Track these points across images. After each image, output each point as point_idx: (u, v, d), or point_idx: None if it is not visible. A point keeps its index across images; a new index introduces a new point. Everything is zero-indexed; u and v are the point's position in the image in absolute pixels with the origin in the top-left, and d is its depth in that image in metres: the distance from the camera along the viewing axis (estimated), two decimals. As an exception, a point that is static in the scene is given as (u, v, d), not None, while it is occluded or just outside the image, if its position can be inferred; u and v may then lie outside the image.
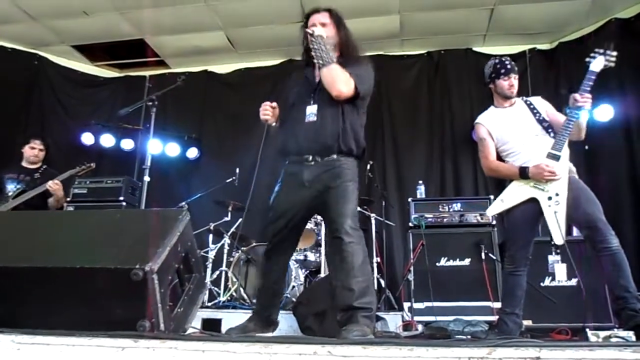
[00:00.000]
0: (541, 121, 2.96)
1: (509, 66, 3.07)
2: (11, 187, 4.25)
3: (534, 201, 2.80)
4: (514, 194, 2.87)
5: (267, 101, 2.63)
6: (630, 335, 1.79)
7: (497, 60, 3.14)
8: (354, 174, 2.48)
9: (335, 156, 2.46)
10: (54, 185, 4.18)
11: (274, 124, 2.63)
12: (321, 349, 1.42)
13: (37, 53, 6.49)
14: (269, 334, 2.60)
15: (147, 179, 3.21)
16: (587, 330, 1.69)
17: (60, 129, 6.40)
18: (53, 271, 1.85)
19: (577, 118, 2.77)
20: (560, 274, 2.80)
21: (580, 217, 2.72)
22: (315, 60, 2.41)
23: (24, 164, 4.44)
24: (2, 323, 1.70)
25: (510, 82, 3.05)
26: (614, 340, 1.69)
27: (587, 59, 2.85)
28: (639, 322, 2.36)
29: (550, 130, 2.92)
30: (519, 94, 3.27)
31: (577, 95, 2.76)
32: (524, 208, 2.84)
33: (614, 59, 2.83)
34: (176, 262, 1.94)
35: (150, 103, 3.30)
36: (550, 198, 2.75)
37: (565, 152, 2.80)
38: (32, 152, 4.44)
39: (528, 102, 3.07)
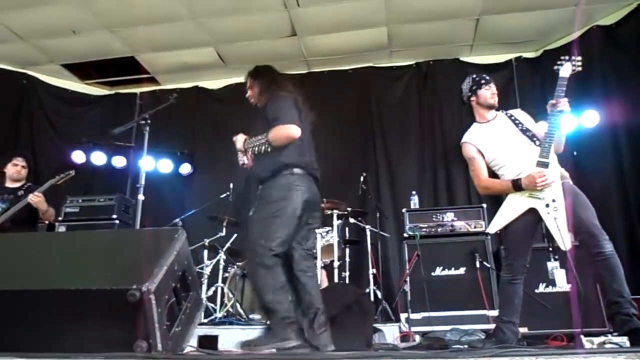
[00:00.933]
0: (525, 131, 2.99)
1: (487, 77, 3.17)
2: None
3: (532, 211, 2.81)
4: (513, 207, 2.87)
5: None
6: (624, 340, 1.81)
7: (474, 75, 3.23)
8: (272, 196, 2.70)
9: (262, 184, 2.80)
10: (34, 198, 4.13)
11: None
12: (320, 364, 1.44)
13: (26, 72, 6.47)
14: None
15: (141, 197, 3.18)
16: (582, 336, 1.71)
17: (50, 148, 6.38)
18: (48, 293, 1.84)
19: (557, 126, 2.82)
20: (560, 280, 2.79)
21: (574, 222, 2.75)
22: (262, 150, 2.77)
23: (7, 184, 4.41)
24: (-3, 347, 1.69)
25: (492, 90, 3.11)
26: (608, 346, 1.70)
27: (555, 67, 2.94)
28: (633, 326, 2.38)
29: (535, 139, 2.95)
30: (507, 103, 3.32)
31: (553, 101, 2.84)
32: (523, 220, 2.85)
33: (579, 63, 2.92)
34: (173, 281, 1.95)
35: (143, 122, 3.30)
36: (547, 205, 2.77)
37: (553, 158, 2.84)
38: (15, 169, 4.41)
39: (509, 115, 3.10)
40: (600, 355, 1.26)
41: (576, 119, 5.23)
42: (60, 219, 5.02)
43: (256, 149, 2.78)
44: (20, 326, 1.91)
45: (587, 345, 1.73)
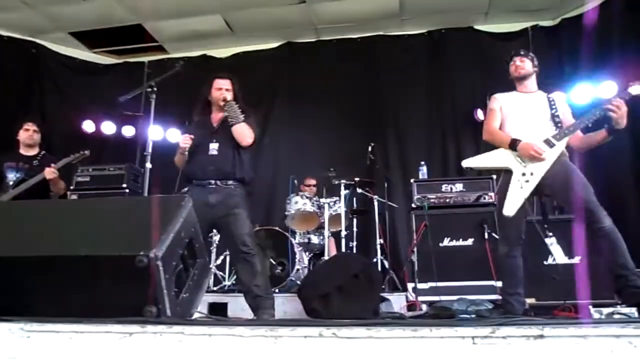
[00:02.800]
0: (554, 116, 2.97)
1: (513, 52, 3.22)
2: (11, 177, 4.20)
3: (509, 173, 2.86)
4: (495, 157, 2.95)
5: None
6: (633, 311, 1.80)
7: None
8: (246, 202, 3.23)
9: (231, 182, 3.18)
10: (51, 175, 4.15)
11: (186, 152, 3.26)
12: (326, 330, 1.44)
13: (35, 41, 6.43)
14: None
15: (149, 165, 3.20)
16: (590, 307, 1.70)
17: (61, 118, 6.36)
18: (58, 260, 1.86)
19: (589, 120, 2.79)
20: (558, 255, 2.85)
21: (572, 200, 2.74)
22: (229, 119, 3.19)
23: (21, 151, 4.40)
24: (11, 312, 1.72)
25: (513, 66, 3.15)
26: (616, 316, 1.70)
27: (630, 83, 2.82)
28: (642, 297, 2.39)
29: (560, 126, 2.92)
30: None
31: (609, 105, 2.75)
32: (506, 181, 2.88)
33: None
34: (180, 248, 1.96)
35: (150, 89, 3.28)
36: (524, 174, 2.81)
37: (561, 144, 2.82)
38: (27, 134, 4.38)
39: (550, 98, 3.07)
40: (607, 325, 1.25)
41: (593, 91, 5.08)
42: (71, 188, 5.07)
43: (233, 115, 3.16)
44: (32, 292, 1.94)
45: (596, 315, 1.72)
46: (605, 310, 1.72)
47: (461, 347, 1.33)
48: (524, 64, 3.12)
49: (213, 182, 3.17)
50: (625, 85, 2.83)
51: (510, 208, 2.78)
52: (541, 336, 1.27)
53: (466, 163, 3.07)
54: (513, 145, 2.88)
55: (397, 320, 2.37)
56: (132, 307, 1.77)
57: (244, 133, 3.18)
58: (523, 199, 2.76)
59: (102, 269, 1.82)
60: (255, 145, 3.33)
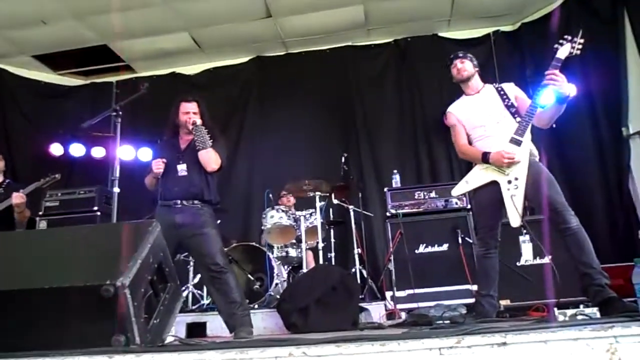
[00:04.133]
0: (509, 107, 3.00)
1: (452, 55, 3.23)
2: None
3: (495, 184, 2.87)
4: (478, 176, 2.96)
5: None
6: (595, 311, 1.85)
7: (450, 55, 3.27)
8: (214, 221, 3.26)
9: (198, 203, 3.19)
10: (17, 200, 4.05)
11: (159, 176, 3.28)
12: (296, 350, 1.44)
13: (-4, 65, 6.32)
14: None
15: (116, 190, 3.15)
16: (555, 309, 1.75)
17: (27, 142, 6.24)
18: (22, 293, 1.82)
19: (538, 106, 2.84)
20: (526, 253, 2.91)
21: (540, 200, 2.80)
22: (196, 143, 3.20)
23: None
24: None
25: (456, 67, 3.16)
26: (579, 317, 1.74)
27: (555, 46, 2.88)
28: (605, 296, 2.44)
29: (517, 115, 2.97)
30: (486, 78, 3.31)
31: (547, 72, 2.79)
32: (488, 190, 2.91)
33: (579, 46, 2.86)
34: (149, 274, 1.93)
35: (114, 113, 3.24)
36: (510, 182, 2.84)
37: (527, 137, 2.86)
38: None
39: (499, 89, 3.11)
40: (566, 329, 1.28)
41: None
42: (40, 213, 4.95)
43: (201, 140, 3.17)
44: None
45: (560, 317, 1.76)
46: (569, 312, 1.77)
47: (429, 358, 1.35)
48: (465, 65, 3.14)
49: (179, 202, 3.18)
50: (553, 54, 2.87)
51: (514, 218, 2.78)
52: (504, 344, 1.30)
53: (456, 192, 3.09)
54: (485, 159, 2.92)
55: (373, 332, 2.38)
56: (100, 337, 1.74)
57: (209, 159, 3.20)
58: (521, 204, 2.77)
59: (68, 300, 1.78)
60: (222, 170, 3.34)
